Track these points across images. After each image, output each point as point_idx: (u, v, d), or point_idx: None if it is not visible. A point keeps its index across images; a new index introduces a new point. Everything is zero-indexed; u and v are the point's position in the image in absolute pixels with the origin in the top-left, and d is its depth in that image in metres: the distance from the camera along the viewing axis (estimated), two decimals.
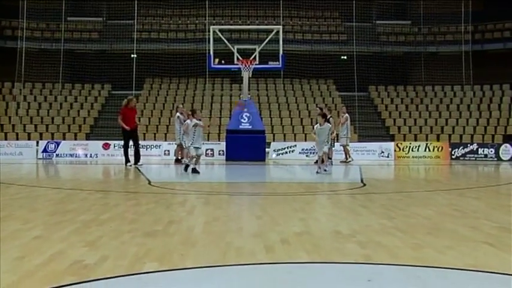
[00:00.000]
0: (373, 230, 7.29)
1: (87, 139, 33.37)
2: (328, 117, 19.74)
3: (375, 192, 12.53)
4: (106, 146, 30.19)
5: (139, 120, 33.64)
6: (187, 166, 18.48)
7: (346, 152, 26.13)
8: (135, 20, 39.27)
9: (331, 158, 23.57)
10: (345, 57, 40.38)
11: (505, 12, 38.74)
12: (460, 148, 31.19)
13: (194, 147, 17.99)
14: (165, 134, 34.06)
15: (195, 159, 18.14)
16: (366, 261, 5.51)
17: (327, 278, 4.98)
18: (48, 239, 6.49)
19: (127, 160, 21.92)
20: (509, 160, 29.14)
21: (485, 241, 6.53)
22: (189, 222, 7.79)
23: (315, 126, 18.99)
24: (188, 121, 18.43)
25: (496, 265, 5.32)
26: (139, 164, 21.70)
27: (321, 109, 21.62)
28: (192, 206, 9.54)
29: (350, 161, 25.67)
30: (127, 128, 21.76)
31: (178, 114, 23.97)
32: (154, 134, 34.50)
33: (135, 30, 39.07)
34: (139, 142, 23.20)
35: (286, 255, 5.79)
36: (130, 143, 22.11)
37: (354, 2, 39.30)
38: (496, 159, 29.85)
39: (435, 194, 12.23)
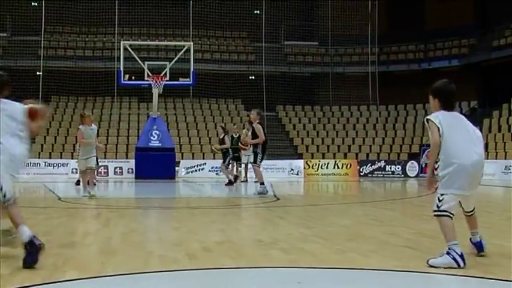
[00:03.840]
0: (295, 237, 7.25)
1: None
2: (222, 136, 20.93)
3: (289, 205, 12.55)
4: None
5: (45, 139, 32.86)
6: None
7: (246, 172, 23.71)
8: (42, 36, 38.30)
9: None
10: (253, 77, 40.63)
11: (409, 35, 39.93)
12: (368, 165, 31.80)
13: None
14: (72, 152, 33.25)
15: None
16: (292, 265, 5.45)
17: (256, 281, 4.89)
18: None
19: None
20: (415, 176, 29.86)
21: (406, 245, 6.61)
22: (106, 234, 7.55)
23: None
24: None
25: (419, 266, 5.37)
26: None
27: (222, 128, 21.06)
28: (106, 219, 9.27)
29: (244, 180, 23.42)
30: None
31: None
32: (61, 152, 33.66)
33: (42, 46, 38.09)
34: None
35: (210, 262, 5.66)
36: None
37: (262, 22, 39.66)
38: (403, 175, 30.56)
39: (350, 206, 12.35)
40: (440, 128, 5.60)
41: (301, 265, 5.46)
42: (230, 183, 20.34)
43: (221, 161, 26.57)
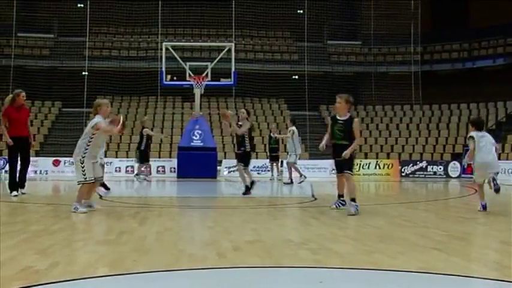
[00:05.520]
0: (325, 238, 7.36)
1: (36, 156, 32.88)
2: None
3: (325, 205, 12.61)
4: (56, 163, 29.87)
5: None
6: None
7: (296, 170, 22.08)
8: (87, 37, 38.98)
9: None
10: (296, 77, 40.70)
11: (452, 34, 39.59)
12: (410, 165, 31.65)
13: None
14: (116, 151, 33.79)
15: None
16: (317, 265, 5.57)
17: (278, 280, 5.03)
18: None
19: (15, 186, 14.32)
20: (457, 177, 29.63)
21: (434, 247, 6.65)
22: (141, 232, 7.75)
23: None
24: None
25: (444, 267, 5.44)
26: (22, 191, 14.41)
27: (247, 111, 15.63)
28: (143, 218, 9.48)
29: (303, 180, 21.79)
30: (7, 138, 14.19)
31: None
32: (105, 151, 34.13)
33: (87, 47, 38.78)
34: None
35: (238, 260, 5.81)
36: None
37: (305, 22, 39.71)
38: (444, 176, 30.34)
39: (385, 207, 12.38)
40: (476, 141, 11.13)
41: (327, 265, 5.57)
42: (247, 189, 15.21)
43: (267, 160, 26.84)
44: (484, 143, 11.21)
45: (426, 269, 5.38)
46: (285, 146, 27.22)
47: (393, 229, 8.37)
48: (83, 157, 10.22)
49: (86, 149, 10.26)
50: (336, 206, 11.20)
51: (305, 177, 22.02)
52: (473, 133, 11.32)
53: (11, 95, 14.38)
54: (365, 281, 4.98)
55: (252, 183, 14.93)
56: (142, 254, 6.15)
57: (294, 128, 22.04)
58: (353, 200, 10.41)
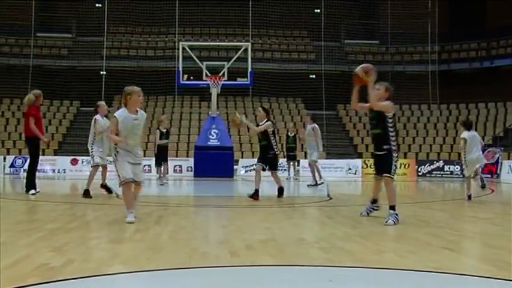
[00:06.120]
0: (337, 237, 7.42)
1: (55, 155, 33.17)
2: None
3: (340, 205, 12.67)
4: (74, 162, 30.10)
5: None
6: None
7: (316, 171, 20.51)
8: (105, 37, 39.24)
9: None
10: (314, 76, 40.71)
11: (470, 33, 39.44)
12: (427, 165, 31.58)
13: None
14: None
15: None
16: (328, 264, 5.62)
17: (288, 279, 5.08)
18: (14, 245, 6.51)
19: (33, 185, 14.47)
20: (473, 177, 29.44)
21: (445, 247, 6.69)
22: (155, 231, 7.84)
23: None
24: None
25: (454, 267, 5.49)
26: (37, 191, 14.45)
27: (264, 109, 14.47)
28: (158, 217, 9.58)
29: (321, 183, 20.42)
30: (42, 137, 14.43)
31: None
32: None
33: (105, 47, 39.04)
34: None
35: (250, 259, 5.88)
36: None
37: (322, 21, 39.72)
38: (461, 175, 30.20)
39: (400, 207, 12.34)
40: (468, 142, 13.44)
41: (337, 264, 5.63)
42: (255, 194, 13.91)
43: (284, 159, 26.79)
44: (474, 142, 13.47)
45: (436, 268, 5.42)
46: (302, 145, 27.29)
47: (406, 229, 8.40)
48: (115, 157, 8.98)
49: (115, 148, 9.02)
50: (367, 213, 10.00)
51: (322, 183, 20.22)
52: (465, 134, 13.48)
53: (32, 95, 14.42)
54: (374, 280, 5.04)
55: (281, 189, 14.19)
56: (156, 252, 6.24)
57: (315, 125, 20.85)
58: (392, 208, 9.19)
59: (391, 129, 9.17)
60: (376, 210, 10.01)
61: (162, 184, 20.01)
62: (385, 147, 9.16)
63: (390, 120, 9.16)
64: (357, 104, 9.65)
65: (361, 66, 9.29)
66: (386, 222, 8.82)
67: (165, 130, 20.95)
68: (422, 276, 5.17)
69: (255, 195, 13.51)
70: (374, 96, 9.14)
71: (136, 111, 9.03)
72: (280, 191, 14.22)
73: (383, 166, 9.33)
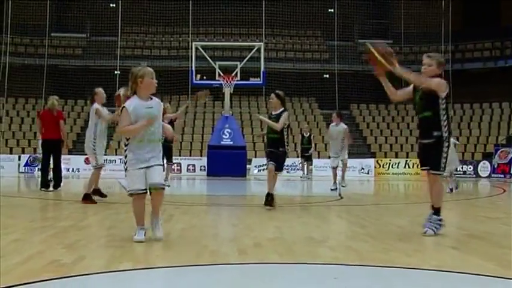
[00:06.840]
0: (345, 236, 7.50)
1: (69, 154, 33.34)
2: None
3: (351, 204, 12.74)
4: (88, 161, 30.24)
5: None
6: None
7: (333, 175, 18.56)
8: (119, 37, 39.45)
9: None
10: (327, 76, 40.73)
11: (484, 32, 39.30)
12: None
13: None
14: None
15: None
16: (334, 262, 5.70)
17: (294, 276, 5.16)
18: (27, 242, 6.65)
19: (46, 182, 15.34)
20: (487, 177, 29.47)
21: (452, 246, 6.75)
22: (165, 229, 7.91)
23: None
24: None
25: (459, 266, 5.54)
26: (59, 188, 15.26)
27: (277, 95, 11.69)
28: (169, 215, 9.67)
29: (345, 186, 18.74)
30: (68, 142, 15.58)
31: None
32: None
33: (119, 46, 39.25)
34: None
35: (258, 257, 5.97)
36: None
37: (335, 21, 39.74)
38: (474, 175, 30.20)
39: (410, 206, 12.47)
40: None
41: (343, 262, 5.71)
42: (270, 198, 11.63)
43: (298, 159, 26.82)
44: (452, 144, 13.13)
45: (442, 267, 5.48)
46: (316, 145, 27.36)
47: (414, 228, 8.43)
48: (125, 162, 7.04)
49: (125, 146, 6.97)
50: (433, 231, 7.50)
51: (336, 188, 17.55)
52: None
53: (55, 100, 15.81)
54: (378, 278, 5.11)
55: (270, 196, 11.24)
56: (166, 249, 6.34)
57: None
58: (436, 212, 7.64)
59: (443, 113, 7.58)
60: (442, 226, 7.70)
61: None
62: (435, 133, 7.53)
63: (443, 102, 7.58)
64: (397, 93, 8.33)
65: (377, 43, 7.91)
66: (425, 232, 7.43)
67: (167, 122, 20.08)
68: (428, 274, 5.23)
69: (271, 201, 11.17)
70: (425, 72, 7.68)
71: (150, 98, 6.98)
72: (268, 197, 11.29)
73: (429, 159, 7.76)
